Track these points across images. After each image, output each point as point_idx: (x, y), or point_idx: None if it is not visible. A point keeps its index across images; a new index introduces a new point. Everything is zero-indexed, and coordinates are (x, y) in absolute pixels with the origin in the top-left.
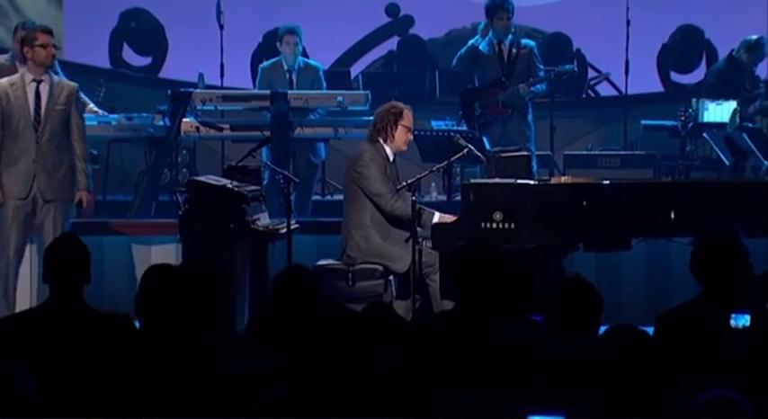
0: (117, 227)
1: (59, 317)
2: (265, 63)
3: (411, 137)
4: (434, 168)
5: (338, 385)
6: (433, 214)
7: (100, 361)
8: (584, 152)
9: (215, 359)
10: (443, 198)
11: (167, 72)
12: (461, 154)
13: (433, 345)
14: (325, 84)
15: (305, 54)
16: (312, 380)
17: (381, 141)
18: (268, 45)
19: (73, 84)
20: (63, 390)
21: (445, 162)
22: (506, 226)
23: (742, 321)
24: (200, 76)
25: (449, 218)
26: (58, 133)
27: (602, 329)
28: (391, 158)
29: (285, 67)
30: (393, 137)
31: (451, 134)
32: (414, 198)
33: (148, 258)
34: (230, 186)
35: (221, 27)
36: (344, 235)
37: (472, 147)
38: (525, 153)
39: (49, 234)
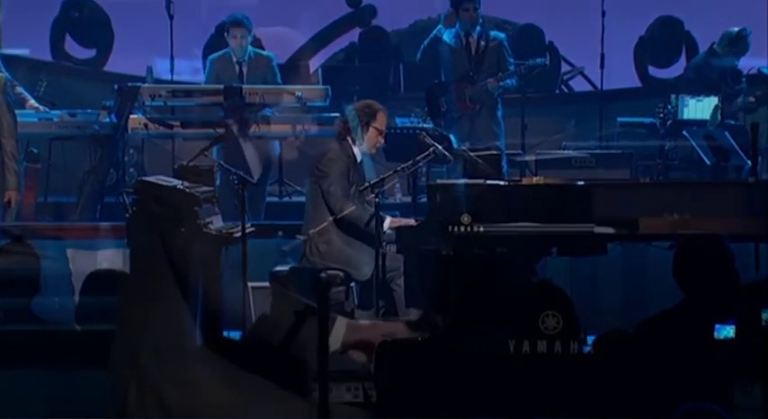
0: (59, 231)
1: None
2: (214, 54)
3: (382, 140)
4: (399, 168)
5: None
6: (384, 219)
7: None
8: (558, 151)
9: (165, 365)
10: (408, 199)
11: (113, 65)
12: (427, 153)
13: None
14: (279, 75)
15: (260, 46)
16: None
17: (349, 140)
18: (221, 37)
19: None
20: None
21: (410, 161)
22: (475, 229)
23: (724, 333)
24: (149, 70)
25: (401, 222)
26: None
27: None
28: (358, 159)
29: (235, 60)
30: (362, 138)
31: (417, 132)
32: (377, 200)
33: (93, 264)
34: (181, 187)
35: (171, 17)
36: (305, 238)
37: (439, 146)
38: (495, 152)
39: None
